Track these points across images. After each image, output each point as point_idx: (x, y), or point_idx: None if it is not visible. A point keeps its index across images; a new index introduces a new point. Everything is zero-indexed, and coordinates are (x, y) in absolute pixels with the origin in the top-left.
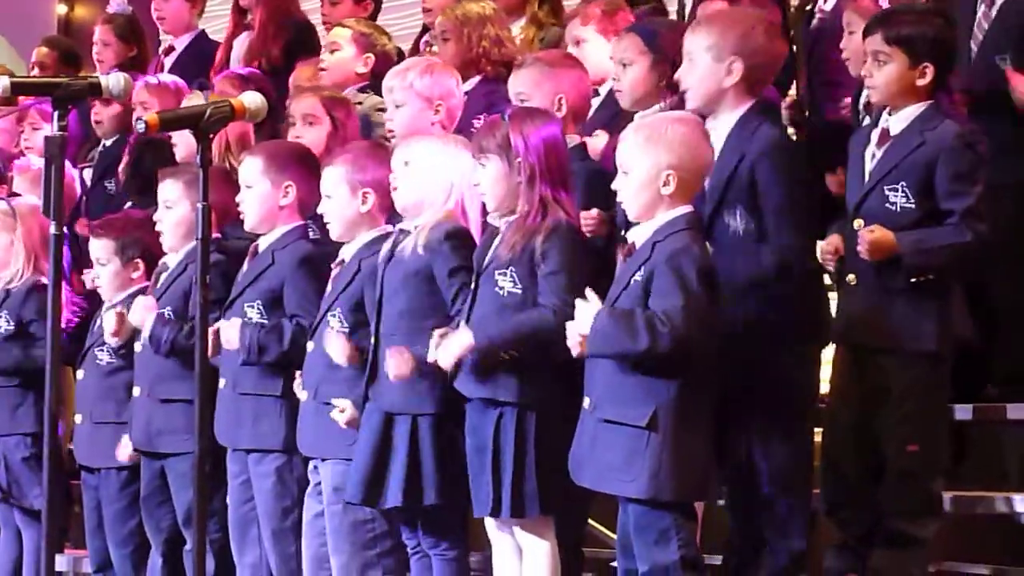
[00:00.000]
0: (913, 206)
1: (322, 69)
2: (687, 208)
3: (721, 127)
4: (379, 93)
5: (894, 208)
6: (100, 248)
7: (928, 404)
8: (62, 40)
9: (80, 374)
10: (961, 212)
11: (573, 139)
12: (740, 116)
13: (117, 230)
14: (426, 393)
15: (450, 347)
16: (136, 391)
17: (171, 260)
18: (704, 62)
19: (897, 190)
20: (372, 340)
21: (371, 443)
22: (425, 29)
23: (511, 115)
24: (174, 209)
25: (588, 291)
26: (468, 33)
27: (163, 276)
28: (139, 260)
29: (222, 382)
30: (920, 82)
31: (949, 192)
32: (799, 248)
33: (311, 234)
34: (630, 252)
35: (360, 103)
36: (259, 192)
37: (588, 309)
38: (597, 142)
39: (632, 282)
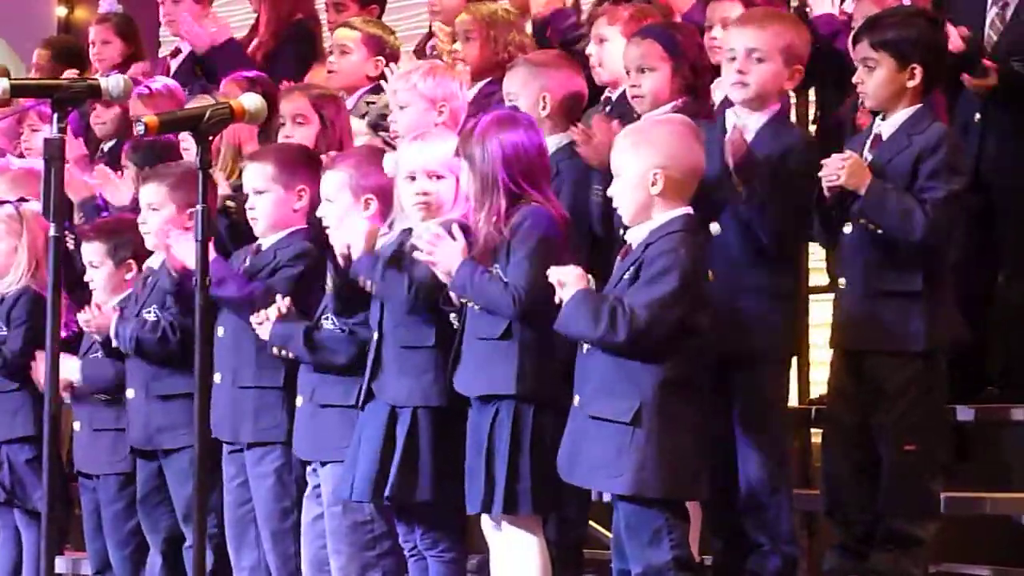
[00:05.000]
0: None
1: (331, 72)
2: (684, 210)
3: (754, 123)
4: None
5: None
6: (92, 251)
7: (923, 403)
8: (57, 39)
9: None
10: (931, 201)
11: (561, 138)
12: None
13: (108, 232)
14: (430, 386)
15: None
16: (130, 393)
17: (155, 262)
18: (776, 64)
19: None
20: (375, 335)
21: (378, 440)
22: (431, 32)
23: (478, 122)
24: (160, 211)
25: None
26: (495, 36)
27: (148, 279)
28: (131, 261)
29: (218, 376)
30: (910, 83)
31: (923, 187)
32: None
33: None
34: (626, 253)
35: (373, 102)
36: (273, 198)
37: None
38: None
39: (622, 280)
